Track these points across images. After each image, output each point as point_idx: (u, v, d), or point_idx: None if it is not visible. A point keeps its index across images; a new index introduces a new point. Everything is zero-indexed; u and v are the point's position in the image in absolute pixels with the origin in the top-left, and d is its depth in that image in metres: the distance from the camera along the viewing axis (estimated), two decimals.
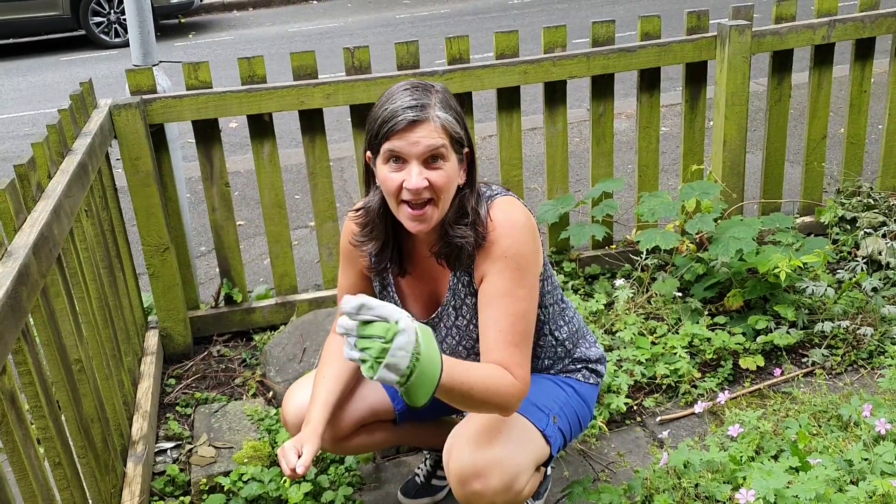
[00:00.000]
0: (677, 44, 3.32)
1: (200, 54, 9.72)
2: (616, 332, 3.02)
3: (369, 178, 1.82)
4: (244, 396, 2.95)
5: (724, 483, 2.18)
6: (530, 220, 1.81)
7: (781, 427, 2.44)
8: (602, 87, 3.37)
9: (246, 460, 2.47)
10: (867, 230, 3.40)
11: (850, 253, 3.49)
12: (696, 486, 2.19)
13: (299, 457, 1.80)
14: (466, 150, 1.77)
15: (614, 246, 3.58)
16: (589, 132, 3.52)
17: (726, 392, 2.63)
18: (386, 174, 1.70)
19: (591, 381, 2.10)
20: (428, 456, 2.42)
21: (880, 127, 4.06)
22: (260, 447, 2.51)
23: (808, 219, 3.70)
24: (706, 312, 3.02)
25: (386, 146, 1.68)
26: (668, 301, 3.10)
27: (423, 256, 1.90)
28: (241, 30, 11.50)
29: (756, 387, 2.76)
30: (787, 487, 1.98)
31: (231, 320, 3.33)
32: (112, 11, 10.73)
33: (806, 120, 3.63)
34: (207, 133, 3.14)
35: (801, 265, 2.89)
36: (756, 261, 2.96)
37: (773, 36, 3.36)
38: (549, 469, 2.27)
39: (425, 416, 2.23)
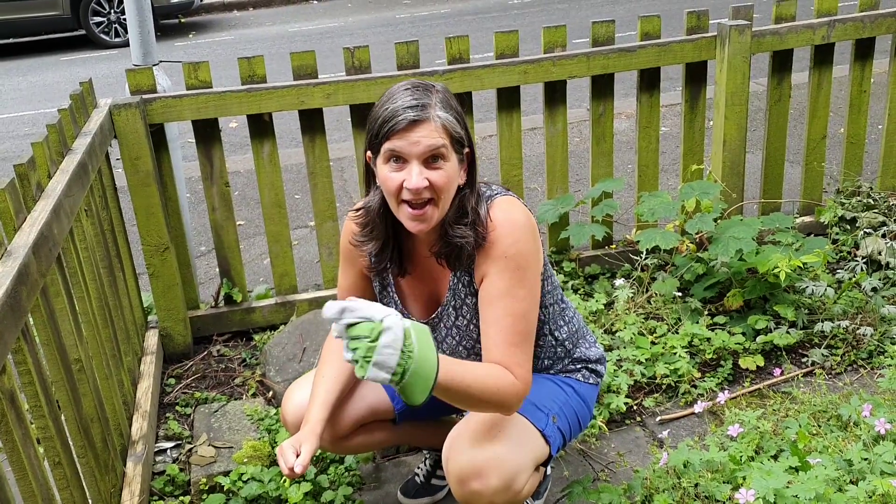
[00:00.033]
0: (677, 44, 3.32)
1: (200, 54, 9.72)
2: (616, 331, 3.02)
3: (370, 177, 1.82)
4: (244, 396, 2.95)
5: (723, 483, 2.18)
6: (530, 220, 1.81)
7: (781, 427, 2.44)
8: (602, 87, 3.37)
9: (246, 460, 2.47)
10: (867, 230, 3.40)
11: (849, 253, 3.50)
12: (696, 485, 2.19)
13: (298, 456, 1.80)
14: (467, 150, 1.77)
15: (614, 246, 3.59)
16: (589, 132, 3.52)
17: (726, 392, 2.63)
18: (386, 174, 1.70)
19: (591, 381, 2.10)
20: (428, 456, 2.42)
21: (880, 127, 4.06)
22: (260, 447, 2.51)
23: (807, 219, 3.70)
24: (706, 312, 3.02)
25: (386, 146, 1.68)
26: (667, 301, 3.10)
27: (424, 256, 1.90)
28: (241, 30, 11.50)
29: (756, 387, 2.76)
30: (787, 487, 1.98)
31: (231, 320, 3.33)
32: (112, 11, 10.74)
33: (806, 120, 3.63)
34: (207, 133, 3.14)
35: (801, 265, 2.89)
36: (756, 261, 2.96)
37: (772, 36, 3.36)
38: (548, 469, 2.28)
39: (425, 416, 2.23)
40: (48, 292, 1.90)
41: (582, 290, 3.38)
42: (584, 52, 3.26)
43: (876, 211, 3.55)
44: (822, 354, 2.85)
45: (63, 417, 1.90)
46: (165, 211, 3.09)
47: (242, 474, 2.41)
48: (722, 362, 2.87)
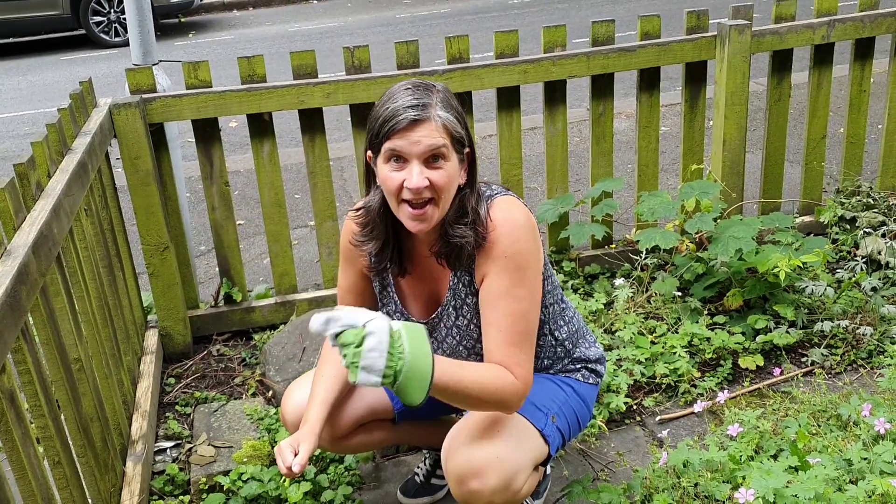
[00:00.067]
0: (677, 43, 3.32)
1: (200, 54, 9.71)
2: (616, 331, 3.02)
3: (370, 177, 1.82)
4: (244, 396, 2.95)
5: (723, 482, 2.18)
6: (530, 220, 1.81)
7: (781, 426, 2.44)
8: (602, 87, 3.37)
9: (245, 459, 2.47)
10: (867, 230, 3.40)
11: (849, 252, 3.50)
12: (696, 485, 2.19)
13: (296, 455, 1.80)
14: (467, 149, 1.77)
15: (614, 245, 3.59)
16: (589, 132, 3.52)
17: (726, 391, 2.63)
18: (387, 173, 1.70)
19: (591, 381, 2.10)
20: (427, 455, 2.42)
21: (880, 127, 4.06)
22: (259, 446, 2.51)
23: (807, 218, 3.70)
24: (706, 312, 3.02)
25: (387, 145, 1.67)
26: (667, 300, 3.10)
27: (424, 256, 1.90)
28: (241, 29, 11.50)
29: (755, 386, 2.76)
30: (787, 487, 1.98)
31: (231, 319, 3.33)
32: (112, 11, 10.73)
33: (805, 120, 3.63)
34: (207, 132, 3.14)
35: (801, 265, 2.89)
36: (755, 260, 2.96)
37: (772, 36, 3.36)
38: (548, 468, 2.28)
39: (424, 416, 2.23)
40: (48, 292, 1.90)
41: (582, 289, 3.38)
42: (583, 52, 3.26)
43: (876, 211, 3.55)
44: (822, 354, 2.85)
45: (63, 417, 1.90)
46: (165, 210, 3.09)
47: (242, 474, 2.41)
48: (722, 362, 2.87)
